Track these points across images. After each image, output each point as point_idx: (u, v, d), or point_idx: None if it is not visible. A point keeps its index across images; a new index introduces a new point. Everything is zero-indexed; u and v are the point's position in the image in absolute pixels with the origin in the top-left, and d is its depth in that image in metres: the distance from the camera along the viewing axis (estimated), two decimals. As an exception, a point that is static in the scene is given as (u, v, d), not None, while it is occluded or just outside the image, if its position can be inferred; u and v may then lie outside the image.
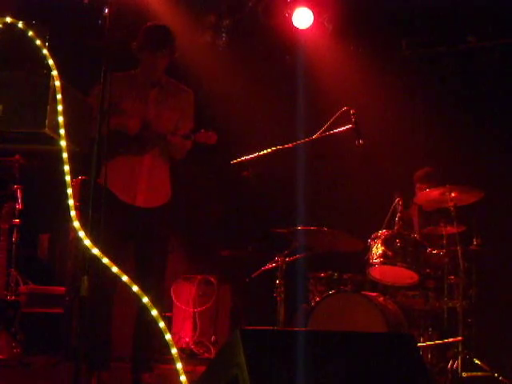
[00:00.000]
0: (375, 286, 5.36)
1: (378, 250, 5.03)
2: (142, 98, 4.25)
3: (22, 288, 5.95)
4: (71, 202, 2.68)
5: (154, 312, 2.65)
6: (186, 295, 6.38)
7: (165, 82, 4.36)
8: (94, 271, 2.78)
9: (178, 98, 4.36)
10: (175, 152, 4.30)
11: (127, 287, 2.72)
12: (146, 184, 4.17)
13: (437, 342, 4.94)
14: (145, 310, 2.69)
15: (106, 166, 3.02)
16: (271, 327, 4.54)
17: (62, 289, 5.75)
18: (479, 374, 4.62)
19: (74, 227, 2.69)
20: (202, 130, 4.13)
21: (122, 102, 4.15)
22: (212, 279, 6.49)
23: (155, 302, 3.84)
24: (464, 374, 4.58)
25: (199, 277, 6.48)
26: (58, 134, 2.65)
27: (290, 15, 6.44)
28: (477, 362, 4.67)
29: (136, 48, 4.26)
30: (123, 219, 4.09)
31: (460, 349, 4.66)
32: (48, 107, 2.61)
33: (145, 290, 3.85)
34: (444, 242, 5.01)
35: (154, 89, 4.30)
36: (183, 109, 4.36)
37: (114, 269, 2.69)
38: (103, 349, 4.05)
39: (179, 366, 2.55)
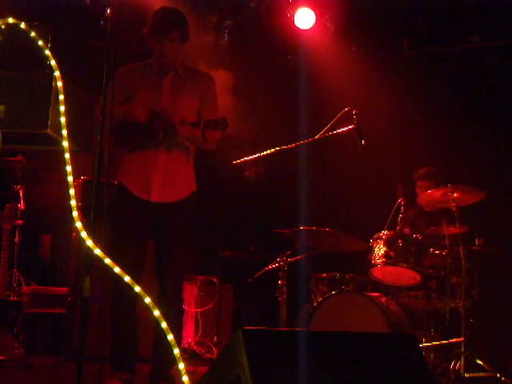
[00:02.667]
0: (377, 286, 5.36)
1: (380, 250, 5.03)
2: (156, 87, 4.04)
3: (25, 288, 5.94)
4: (73, 202, 2.69)
5: (157, 312, 2.65)
6: (188, 296, 6.37)
7: (181, 67, 4.11)
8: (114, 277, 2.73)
9: (196, 84, 4.11)
10: (196, 143, 4.06)
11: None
12: (162, 178, 3.97)
13: (439, 342, 4.94)
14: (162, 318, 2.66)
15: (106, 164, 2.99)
16: (273, 327, 4.54)
17: (64, 289, 5.74)
18: (481, 374, 4.62)
19: (76, 227, 2.70)
20: (212, 118, 3.82)
21: (136, 94, 4.00)
22: (214, 280, 6.49)
23: (172, 302, 3.86)
24: (466, 375, 4.58)
25: (201, 277, 6.47)
26: (60, 135, 2.66)
27: (292, 15, 6.44)
28: (479, 362, 4.67)
29: (146, 34, 4.06)
30: (141, 215, 3.97)
31: (462, 349, 4.66)
32: (50, 108, 2.62)
33: (162, 289, 3.87)
34: (446, 242, 5.01)
35: (168, 75, 4.07)
36: (204, 95, 4.10)
37: (116, 269, 2.69)
38: (129, 350, 3.98)
39: (181, 366, 2.56)
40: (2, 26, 2.68)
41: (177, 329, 4.00)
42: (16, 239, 5.54)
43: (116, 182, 4.08)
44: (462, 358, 4.62)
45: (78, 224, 2.65)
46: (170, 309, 2.82)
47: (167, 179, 4.00)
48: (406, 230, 5.26)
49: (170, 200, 4.02)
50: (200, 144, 4.09)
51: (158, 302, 2.70)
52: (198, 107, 4.08)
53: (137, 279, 2.75)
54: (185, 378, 2.52)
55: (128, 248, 3.88)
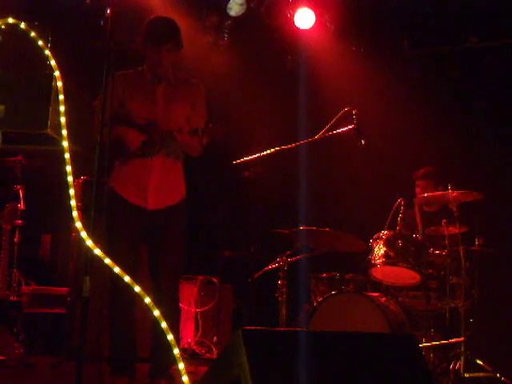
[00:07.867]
0: (377, 286, 5.36)
1: (379, 250, 5.02)
2: (150, 96, 4.09)
3: (24, 288, 5.95)
4: (73, 202, 2.69)
5: (156, 312, 2.66)
6: (187, 295, 6.37)
7: (172, 76, 4.18)
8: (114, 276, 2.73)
9: (187, 92, 4.19)
10: (188, 149, 4.15)
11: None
12: (157, 185, 4.03)
13: (439, 342, 4.94)
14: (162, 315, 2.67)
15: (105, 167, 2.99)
16: (273, 328, 4.55)
17: (64, 289, 5.75)
18: (481, 374, 4.63)
19: (76, 227, 2.70)
20: (210, 125, 3.90)
21: (130, 102, 4.04)
22: (214, 279, 6.49)
23: (168, 303, 3.87)
24: (466, 375, 4.58)
25: (201, 277, 6.48)
26: (60, 135, 2.66)
27: (292, 15, 6.43)
28: (479, 362, 4.67)
29: (140, 43, 4.10)
30: (135, 222, 4.02)
31: (462, 349, 4.66)
32: (50, 108, 2.62)
33: (158, 291, 3.89)
34: (446, 242, 5.01)
35: (161, 85, 4.12)
36: (194, 103, 4.19)
37: (116, 269, 2.69)
38: (128, 351, 4.00)
39: (181, 366, 2.56)
40: (2, 26, 2.68)
41: (175, 329, 4.01)
42: (16, 239, 5.53)
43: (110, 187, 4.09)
44: (462, 358, 4.62)
45: (78, 224, 2.65)
46: (165, 310, 2.82)
47: (162, 186, 4.06)
48: (406, 230, 5.25)
49: (164, 205, 4.07)
50: (191, 151, 4.17)
51: (154, 304, 2.70)
52: (189, 115, 4.15)
53: (133, 280, 2.74)
54: (185, 378, 2.53)
55: (122, 251, 3.88)
